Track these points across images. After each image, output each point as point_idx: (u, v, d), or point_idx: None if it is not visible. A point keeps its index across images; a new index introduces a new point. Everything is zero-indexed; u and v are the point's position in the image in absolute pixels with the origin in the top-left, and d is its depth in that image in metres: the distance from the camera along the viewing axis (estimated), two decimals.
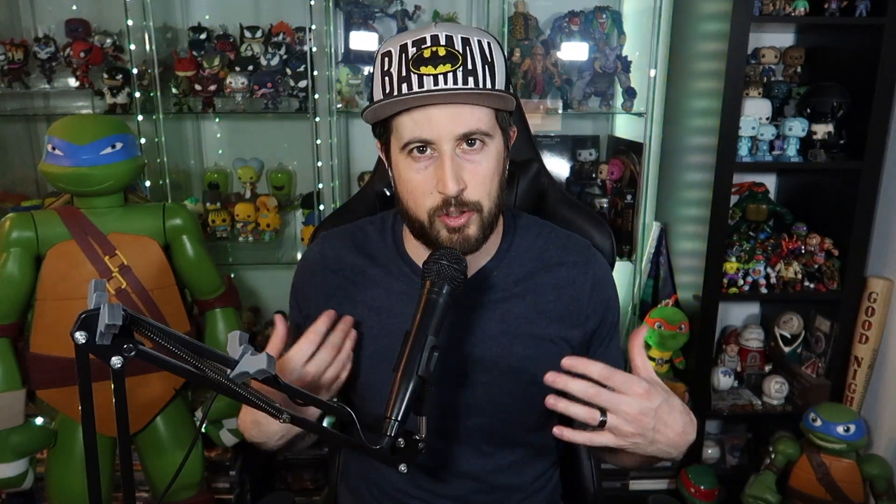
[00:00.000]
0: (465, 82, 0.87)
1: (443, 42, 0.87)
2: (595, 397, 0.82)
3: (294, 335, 1.10)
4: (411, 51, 0.88)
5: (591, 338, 1.06)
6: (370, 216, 1.15)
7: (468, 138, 0.90)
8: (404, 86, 0.87)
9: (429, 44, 0.87)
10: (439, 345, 0.82)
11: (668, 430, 0.87)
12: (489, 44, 0.91)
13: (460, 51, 0.87)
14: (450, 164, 0.89)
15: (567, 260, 1.06)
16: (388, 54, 0.90)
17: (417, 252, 1.03)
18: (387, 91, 0.89)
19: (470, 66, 0.87)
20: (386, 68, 0.90)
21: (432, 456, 1.07)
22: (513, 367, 1.02)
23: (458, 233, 0.93)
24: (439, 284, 0.86)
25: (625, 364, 1.15)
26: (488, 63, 0.89)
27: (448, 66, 0.86)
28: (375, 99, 0.91)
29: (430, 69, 0.86)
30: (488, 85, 0.89)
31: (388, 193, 1.31)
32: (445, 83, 0.86)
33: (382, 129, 0.96)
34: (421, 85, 0.87)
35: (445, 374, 1.01)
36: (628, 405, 0.82)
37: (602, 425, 0.83)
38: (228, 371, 0.74)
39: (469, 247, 0.94)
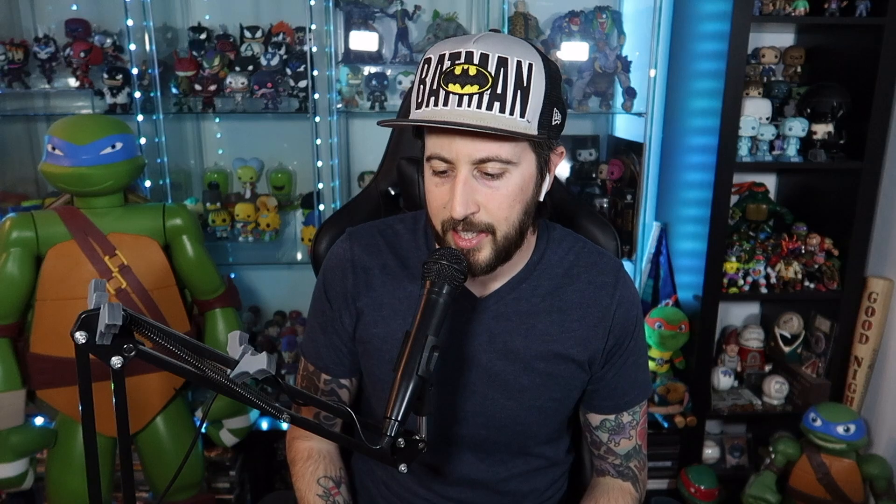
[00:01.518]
0: (490, 107, 0.84)
1: (476, 60, 0.84)
2: None
3: (319, 320, 1.10)
4: (446, 63, 0.85)
5: (603, 357, 1.04)
6: (400, 214, 1.13)
7: (483, 165, 0.87)
8: (432, 99, 0.86)
9: (462, 60, 0.85)
10: (439, 344, 0.82)
11: None
12: (530, 65, 0.86)
13: (492, 73, 0.84)
14: (461, 188, 0.87)
15: (596, 280, 1.04)
16: (429, 61, 0.88)
17: None
18: (419, 100, 0.88)
19: (499, 91, 0.84)
20: (423, 76, 0.88)
21: (444, 462, 1.07)
22: (534, 383, 1.02)
23: (467, 255, 0.91)
24: (439, 284, 0.86)
25: (647, 388, 1.12)
26: (522, 87, 0.85)
27: (475, 88, 0.84)
28: (412, 103, 0.90)
29: (456, 87, 0.84)
30: (516, 111, 0.85)
31: (392, 192, 1.30)
32: (469, 105, 0.84)
33: (419, 133, 0.95)
34: (446, 103, 0.84)
35: (465, 383, 1.02)
36: None
37: None
38: (228, 371, 0.74)
39: (478, 270, 0.92)
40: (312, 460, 1.10)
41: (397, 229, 1.08)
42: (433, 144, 0.89)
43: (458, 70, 0.84)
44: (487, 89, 0.84)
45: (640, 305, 1.09)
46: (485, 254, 0.91)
